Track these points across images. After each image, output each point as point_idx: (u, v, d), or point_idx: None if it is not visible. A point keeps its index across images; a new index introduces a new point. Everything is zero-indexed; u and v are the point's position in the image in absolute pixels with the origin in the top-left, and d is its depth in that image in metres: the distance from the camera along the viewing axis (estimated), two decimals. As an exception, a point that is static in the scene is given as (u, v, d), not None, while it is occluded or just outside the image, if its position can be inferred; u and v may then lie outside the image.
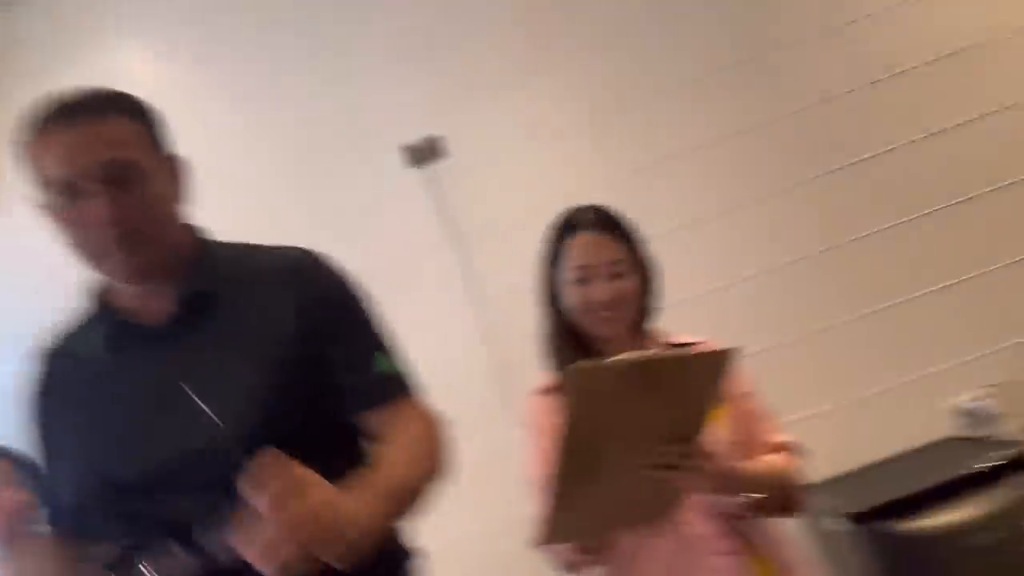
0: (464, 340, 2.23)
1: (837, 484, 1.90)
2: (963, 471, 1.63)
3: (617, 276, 1.27)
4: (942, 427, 2.02)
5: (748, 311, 2.17)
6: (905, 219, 2.18)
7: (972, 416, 1.97)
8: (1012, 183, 2.13)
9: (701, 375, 1.00)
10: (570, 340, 1.30)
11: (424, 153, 2.32)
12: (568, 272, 1.29)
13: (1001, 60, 2.21)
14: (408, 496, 0.94)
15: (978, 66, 2.21)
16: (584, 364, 0.95)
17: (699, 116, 2.29)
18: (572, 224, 1.31)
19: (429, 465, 0.99)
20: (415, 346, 2.12)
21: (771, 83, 2.29)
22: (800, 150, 2.25)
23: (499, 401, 2.13)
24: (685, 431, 1.02)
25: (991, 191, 2.13)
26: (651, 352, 1.23)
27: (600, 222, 1.31)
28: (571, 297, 1.28)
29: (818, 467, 1.54)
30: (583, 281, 1.27)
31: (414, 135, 2.32)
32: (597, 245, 1.28)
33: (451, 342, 2.23)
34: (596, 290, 1.27)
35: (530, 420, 1.31)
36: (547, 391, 1.31)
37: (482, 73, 2.37)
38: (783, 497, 1.23)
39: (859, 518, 1.66)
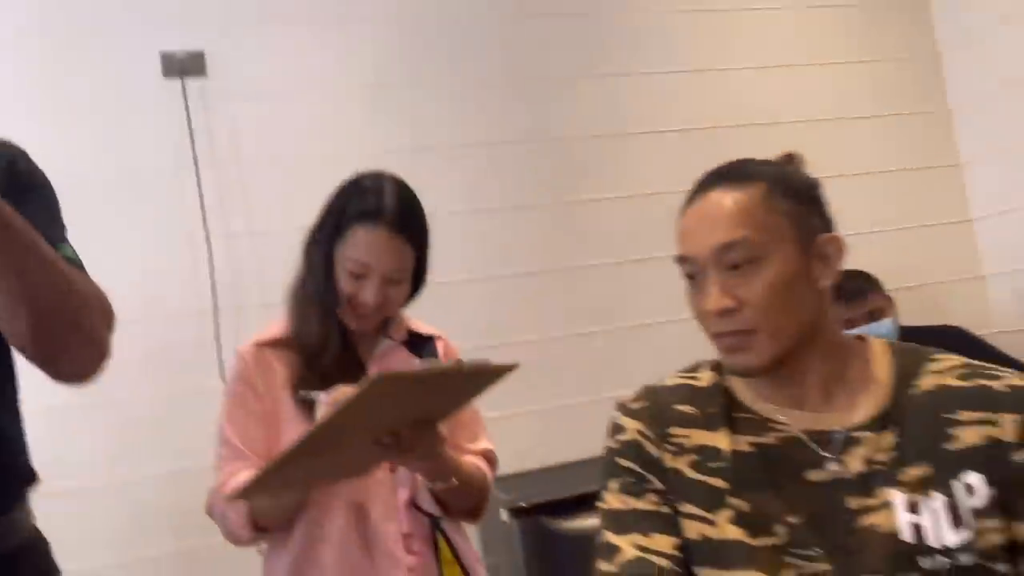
0: (190, 273, 2.12)
1: (515, 480, 2.05)
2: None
3: (393, 283, 1.25)
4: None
5: (484, 307, 2.31)
6: (631, 258, 2.47)
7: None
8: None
9: (474, 384, 1.08)
10: (321, 312, 1.27)
11: (184, 65, 2.15)
12: (347, 260, 1.24)
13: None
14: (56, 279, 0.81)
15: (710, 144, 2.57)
16: (390, 374, 1.00)
17: (480, 116, 2.40)
18: (373, 211, 1.23)
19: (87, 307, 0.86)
20: (134, 264, 1.99)
21: (542, 110, 2.47)
22: (559, 173, 2.45)
23: (213, 345, 2.06)
24: (429, 418, 1.10)
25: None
26: (446, 365, 1.30)
27: (401, 221, 1.24)
28: (339, 280, 1.25)
29: (508, 463, 1.67)
30: (358, 276, 1.23)
31: (178, 45, 2.16)
32: (388, 250, 1.23)
33: (174, 271, 2.10)
34: (368, 291, 1.23)
35: (239, 371, 1.29)
36: (269, 344, 1.29)
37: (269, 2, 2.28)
38: (475, 500, 1.31)
39: (519, 513, 1.85)
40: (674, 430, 0.95)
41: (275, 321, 1.32)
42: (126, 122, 2.13)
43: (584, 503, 1.83)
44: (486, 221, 2.35)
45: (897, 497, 0.84)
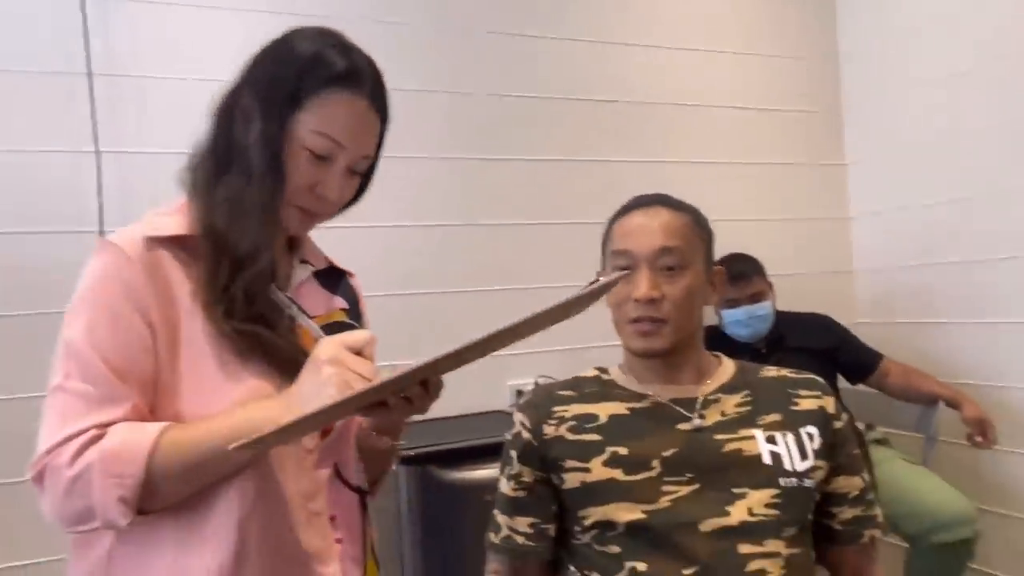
0: (74, 191, 1.99)
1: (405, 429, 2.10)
2: (501, 438, 1.92)
3: (352, 176, 1.00)
4: (501, 401, 2.39)
5: (388, 255, 2.30)
6: (535, 222, 2.50)
7: (520, 395, 2.37)
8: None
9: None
10: (262, 208, 0.94)
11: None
12: (312, 136, 0.93)
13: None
14: None
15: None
16: (482, 343, 0.82)
17: (403, 64, 2.35)
18: (348, 74, 0.95)
19: None
20: (10, 172, 1.84)
21: (466, 65, 2.46)
22: (476, 130, 2.45)
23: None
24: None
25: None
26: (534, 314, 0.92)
27: (376, 90, 0.99)
28: (292, 167, 0.94)
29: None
30: (322, 160, 0.95)
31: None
32: (366, 124, 0.98)
33: (56, 187, 1.97)
34: (332, 180, 0.96)
35: (116, 272, 0.89)
36: (164, 242, 0.92)
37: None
38: (388, 467, 1.16)
39: (407, 461, 1.88)
40: (556, 408, 1.16)
41: (164, 211, 0.97)
42: (11, 14, 1.96)
43: (471, 455, 1.89)
44: (398, 168, 2.32)
45: (757, 433, 1.09)
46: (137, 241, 0.90)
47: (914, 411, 2.47)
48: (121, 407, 0.86)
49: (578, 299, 0.84)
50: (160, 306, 0.89)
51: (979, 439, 2.27)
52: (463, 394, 2.26)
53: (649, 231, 1.12)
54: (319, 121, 0.93)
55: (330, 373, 0.83)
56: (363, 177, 1.03)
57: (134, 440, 0.84)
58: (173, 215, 0.96)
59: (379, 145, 1.03)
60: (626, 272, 0.96)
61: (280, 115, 0.93)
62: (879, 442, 2.47)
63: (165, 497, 0.86)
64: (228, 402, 0.89)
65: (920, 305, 2.77)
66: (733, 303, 2.34)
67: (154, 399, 0.90)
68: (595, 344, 2.46)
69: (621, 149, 2.64)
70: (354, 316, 1.10)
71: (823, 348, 2.42)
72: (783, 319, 2.44)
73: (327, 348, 0.86)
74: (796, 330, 2.44)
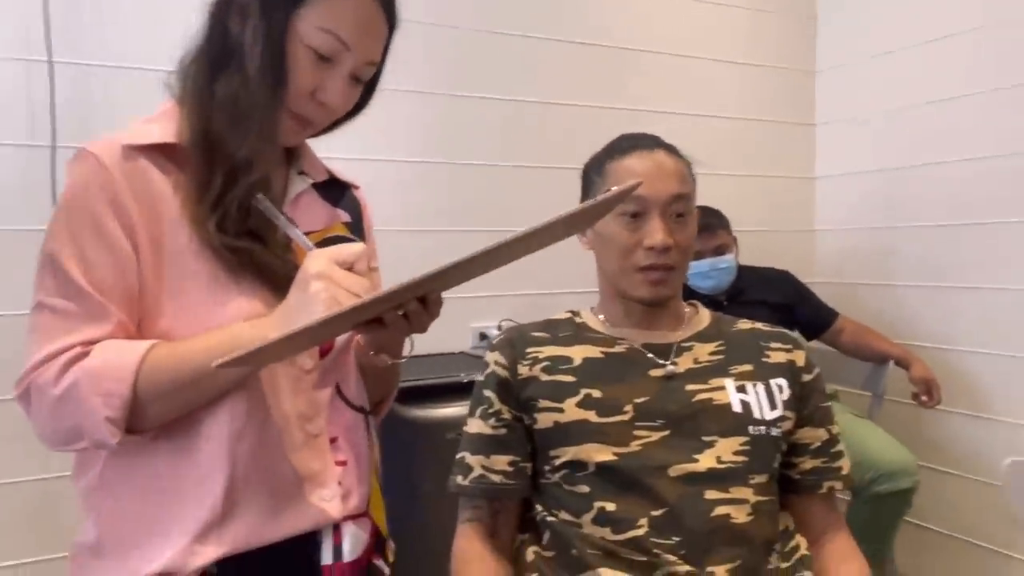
0: (25, 103, 1.89)
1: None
2: (462, 379, 1.93)
3: (357, 83, 0.94)
4: (464, 343, 2.38)
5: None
6: (510, 163, 2.47)
7: (483, 339, 2.37)
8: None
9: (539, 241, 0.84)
10: (261, 112, 0.88)
11: None
12: (317, 33, 0.86)
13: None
14: None
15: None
16: (484, 256, 0.76)
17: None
18: None
19: None
20: None
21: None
22: (452, 64, 2.39)
23: (48, 190, 1.87)
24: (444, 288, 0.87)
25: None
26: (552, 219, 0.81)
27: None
28: (294, 67, 0.87)
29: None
30: (325, 62, 0.88)
31: None
32: (375, 24, 0.92)
33: (5, 100, 1.88)
34: (335, 84, 0.89)
35: (96, 181, 0.83)
36: (146, 151, 0.86)
37: None
38: (394, 386, 1.14)
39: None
40: (530, 349, 1.15)
41: (148, 118, 0.91)
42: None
43: (433, 393, 1.89)
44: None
45: (728, 382, 1.10)
46: (116, 149, 0.84)
47: (864, 369, 2.54)
48: (105, 324, 0.83)
49: (589, 209, 0.79)
50: (144, 219, 0.84)
51: (924, 398, 2.35)
52: (426, 335, 2.24)
53: (662, 177, 1.10)
54: (325, 17, 0.86)
55: (317, 289, 0.80)
56: (365, 89, 0.97)
57: (120, 358, 0.81)
58: (158, 122, 0.90)
59: (385, 53, 0.96)
60: (639, 183, 0.89)
61: (282, 9, 0.86)
62: (830, 397, 2.53)
63: (154, 417, 0.84)
64: (217, 321, 0.85)
65: (877, 267, 2.82)
66: (697, 255, 2.36)
67: (140, 317, 0.86)
68: (561, 290, 2.47)
69: (595, 94, 2.61)
70: (356, 230, 1.04)
71: (781, 303, 2.46)
72: (744, 272, 2.47)
73: (315, 263, 0.82)
74: (756, 284, 2.47)
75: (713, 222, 2.38)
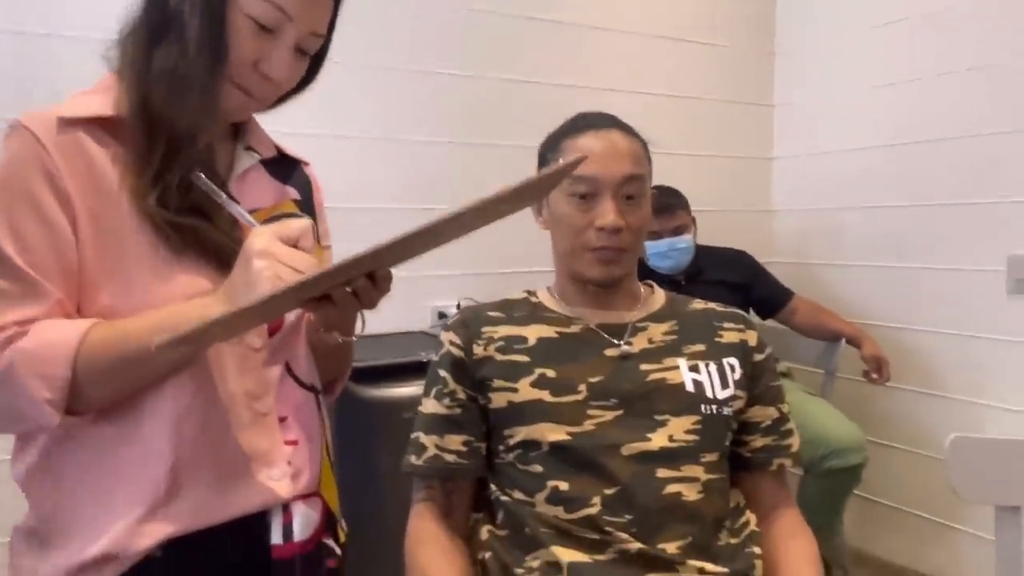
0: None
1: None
2: (422, 358, 1.92)
3: (302, 55, 0.91)
4: (422, 322, 2.37)
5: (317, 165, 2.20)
6: (468, 141, 2.45)
7: (442, 317, 2.36)
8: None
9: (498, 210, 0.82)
10: (201, 82, 0.85)
11: None
12: (258, 3, 0.84)
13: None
14: None
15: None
16: (436, 226, 0.73)
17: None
18: None
19: None
20: None
21: None
22: (414, 40, 2.36)
23: None
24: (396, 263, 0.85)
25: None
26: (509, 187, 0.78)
27: None
28: (235, 38, 0.85)
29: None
30: (270, 32, 0.86)
31: None
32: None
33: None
34: (279, 56, 0.87)
35: (28, 155, 0.80)
36: (84, 124, 0.83)
37: None
38: (347, 365, 1.12)
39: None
40: (485, 329, 1.14)
41: (87, 91, 0.88)
42: None
43: (390, 373, 1.88)
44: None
45: (681, 362, 1.11)
46: (51, 122, 0.81)
47: (816, 347, 2.59)
48: (42, 303, 0.80)
49: (535, 182, 0.78)
50: (81, 194, 0.81)
51: (875, 376, 2.41)
52: (384, 314, 2.22)
53: (616, 157, 1.09)
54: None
55: (260, 267, 0.77)
56: (312, 63, 0.95)
57: (58, 338, 0.78)
58: (96, 94, 0.86)
59: (331, 25, 0.94)
60: (585, 157, 0.88)
61: None
62: (783, 375, 2.58)
63: (95, 398, 0.82)
64: (160, 299, 0.83)
65: (830, 247, 2.87)
66: (656, 235, 2.37)
67: (80, 295, 0.83)
68: (521, 269, 2.47)
69: (555, 71, 2.59)
70: (307, 207, 1.01)
71: (738, 282, 2.49)
72: (703, 252, 2.49)
73: (258, 240, 0.79)
74: (714, 264, 2.50)
75: (672, 202, 2.39)
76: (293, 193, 1.01)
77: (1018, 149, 2.27)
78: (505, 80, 2.51)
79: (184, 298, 0.83)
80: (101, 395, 0.82)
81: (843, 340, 2.50)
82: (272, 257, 0.78)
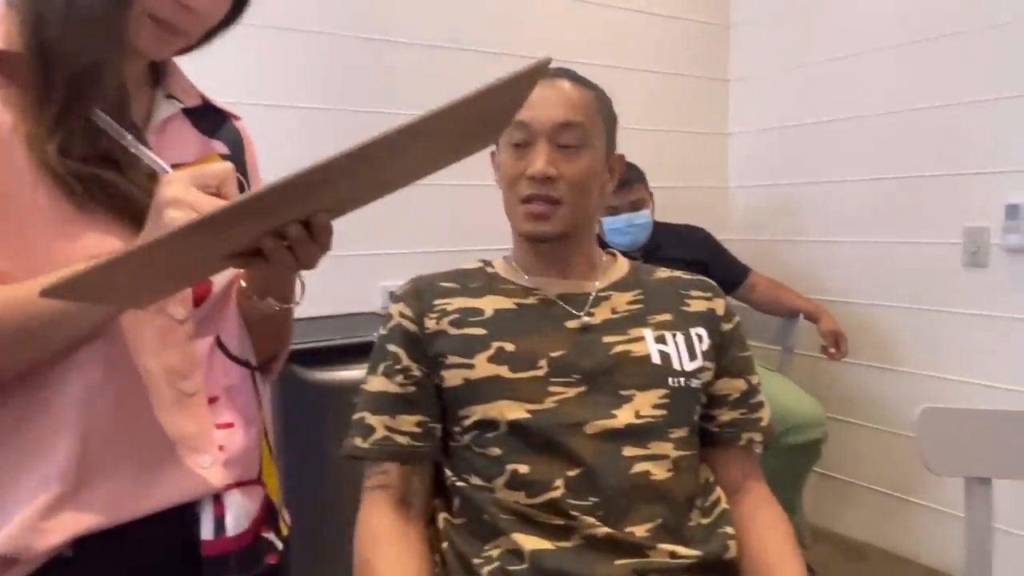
0: None
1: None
2: (373, 339, 1.84)
3: None
4: (372, 302, 2.27)
5: (285, 138, 2.07)
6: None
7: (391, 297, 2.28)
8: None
9: (454, 138, 0.71)
10: (101, 11, 0.74)
11: None
12: None
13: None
14: None
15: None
16: (355, 152, 0.60)
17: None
18: None
19: None
20: None
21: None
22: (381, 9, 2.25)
23: None
24: (332, 210, 0.72)
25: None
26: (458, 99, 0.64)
27: None
28: None
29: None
30: None
31: None
32: None
33: None
34: None
35: None
36: None
37: None
38: (286, 339, 1.00)
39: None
40: (437, 301, 1.06)
41: None
42: None
43: (339, 354, 1.79)
44: (296, 41, 2.09)
45: (647, 332, 1.04)
46: None
47: (774, 324, 2.57)
48: None
49: (501, 86, 0.65)
50: None
51: (833, 351, 2.39)
52: (332, 294, 2.13)
53: (550, 103, 1.02)
54: None
55: (173, 217, 0.66)
56: None
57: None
58: None
59: None
60: (548, 59, 0.81)
61: None
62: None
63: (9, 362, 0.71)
64: (65, 260, 0.72)
65: (786, 223, 2.85)
66: (613, 210, 2.31)
67: None
68: (473, 247, 2.38)
69: (506, 42, 2.50)
70: (237, 165, 0.87)
71: (695, 259, 2.44)
72: (660, 229, 2.44)
73: (171, 187, 0.69)
74: (671, 240, 2.45)
75: (630, 176, 2.34)
76: (220, 147, 0.91)
77: (975, 121, 2.27)
78: (448, 48, 2.41)
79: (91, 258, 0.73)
80: (2, 361, 0.71)
81: (801, 316, 2.48)
82: (188, 206, 0.67)
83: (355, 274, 2.22)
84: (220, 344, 0.87)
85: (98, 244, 0.74)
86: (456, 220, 2.38)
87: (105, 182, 0.74)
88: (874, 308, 2.57)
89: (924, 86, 2.38)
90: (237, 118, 0.98)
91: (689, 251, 2.45)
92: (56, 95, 0.72)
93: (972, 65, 2.26)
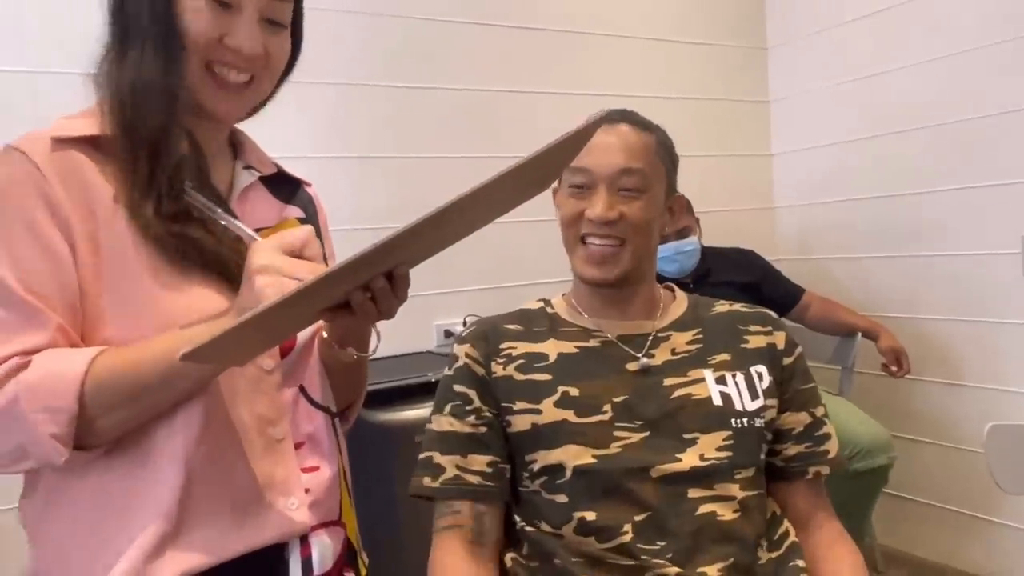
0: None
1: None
2: (430, 378, 1.87)
3: (274, 27, 0.87)
4: (427, 342, 2.32)
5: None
6: (458, 155, 2.41)
7: (448, 336, 2.31)
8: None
9: (515, 189, 0.77)
10: (158, 84, 0.81)
11: None
12: None
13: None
14: None
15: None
16: (447, 210, 0.68)
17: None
18: None
19: None
20: None
21: None
22: (397, 55, 2.32)
23: None
24: (411, 262, 0.80)
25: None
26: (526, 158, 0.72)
27: None
28: (188, 20, 0.81)
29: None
30: (228, 7, 0.82)
31: None
32: None
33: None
34: (242, 30, 0.83)
35: (22, 177, 0.77)
36: (76, 143, 0.80)
37: None
38: (362, 387, 1.06)
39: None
40: (504, 344, 1.08)
41: (71, 116, 0.86)
42: None
43: (399, 395, 1.83)
44: (311, 94, 2.18)
45: (707, 373, 1.04)
46: (44, 143, 0.78)
47: (830, 343, 2.53)
48: (44, 331, 0.76)
49: (550, 150, 0.71)
50: (78, 215, 0.78)
51: (894, 368, 2.35)
52: (388, 335, 2.17)
53: (611, 149, 1.04)
54: None
55: (263, 283, 0.72)
56: (292, 34, 0.91)
57: (63, 369, 0.74)
58: (84, 117, 0.84)
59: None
60: (603, 115, 0.84)
61: None
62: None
63: (105, 430, 0.77)
64: (167, 317, 0.79)
65: (837, 240, 2.82)
66: (661, 239, 2.32)
67: (83, 324, 0.79)
68: (526, 282, 2.41)
69: (547, 80, 2.55)
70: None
71: (748, 282, 2.43)
72: (709, 254, 2.44)
73: (259, 255, 0.75)
74: (721, 264, 2.45)
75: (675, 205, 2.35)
76: (296, 212, 0.98)
77: (1025, 128, 2.23)
78: (493, 91, 2.47)
79: (196, 313, 0.79)
80: (112, 427, 0.77)
81: (859, 334, 2.44)
82: (276, 271, 0.73)
83: (410, 314, 2.25)
84: (304, 392, 0.91)
85: (201, 298, 0.81)
86: (506, 257, 2.42)
87: (194, 240, 0.81)
88: (935, 322, 2.52)
89: (973, 96, 2.35)
90: (308, 184, 1.05)
91: (741, 274, 2.44)
92: (141, 163, 0.80)
93: (1020, 71, 2.23)
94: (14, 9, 1.83)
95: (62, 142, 0.79)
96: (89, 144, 0.81)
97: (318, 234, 0.96)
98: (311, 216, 1.00)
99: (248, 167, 0.95)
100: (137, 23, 0.82)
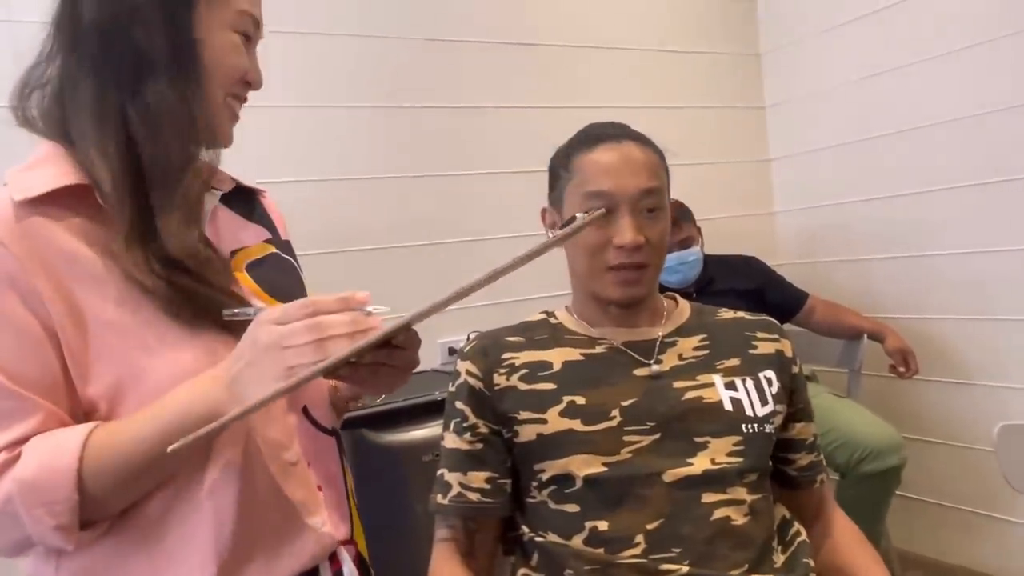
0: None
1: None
2: (436, 397, 1.87)
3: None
4: (432, 360, 2.32)
5: (314, 212, 2.16)
6: (461, 172, 2.42)
7: (452, 353, 2.31)
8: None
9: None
10: (181, 117, 0.79)
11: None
12: (240, 13, 0.82)
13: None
14: None
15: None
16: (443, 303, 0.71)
17: (316, 3, 2.21)
18: None
19: None
20: None
21: (378, 7, 2.33)
22: (394, 76, 2.33)
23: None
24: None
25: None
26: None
27: None
28: (228, 57, 0.81)
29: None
30: (250, 41, 0.85)
31: None
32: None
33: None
34: (256, 64, 0.85)
35: None
36: (46, 201, 0.75)
37: None
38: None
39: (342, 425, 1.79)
40: (505, 355, 1.07)
41: (36, 161, 0.79)
42: None
43: (405, 415, 1.82)
44: (318, 118, 2.19)
45: (716, 378, 1.04)
46: (6, 212, 0.73)
47: (836, 347, 2.52)
48: (31, 419, 0.73)
49: (556, 241, 0.74)
50: (52, 286, 0.73)
51: (902, 369, 2.34)
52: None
53: (631, 171, 1.02)
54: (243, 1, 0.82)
55: (273, 359, 0.70)
56: None
57: (56, 460, 0.71)
58: (40, 167, 0.78)
59: None
60: (602, 211, 0.86)
61: (184, 5, 0.79)
62: (807, 378, 2.51)
63: (109, 506, 0.75)
64: (168, 370, 0.75)
65: (839, 243, 2.82)
66: (664, 248, 2.32)
67: (69, 400, 0.76)
68: (529, 296, 2.41)
69: (541, 94, 2.56)
70: (279, 245, 0.95)
71: (751, 288, 2.43)
72: (711, 262, 2.44)
73: (262, 334, 0.71)
74: (724, 272, 2.44)
75: (676, 215, 2.35)
76: (263, 233, 0.96)
77: None
78: (486, 108, 2.48)
79: (198, 360, 0.77)
80: (116, 502, 0.75)
81: (865, 336, 2.44)
82: (278, 351, 0.70)
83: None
84: (307, 414, 0.90)
85: (200, 352, 0.78)
86: (509, 275, 2.42)
87: (181, 287, 0.77)
88: (940, 322, 2.51)
89: (968, 94, 2.35)
90: (263, 193, 1.02)
91: (743, 281, 2.44)
92: (128, 211, 0.76)
93: (1019, 68, 2.23)
94: None
95: (26, 205, 0.74)
96: (52, 200, 0.75)
97: (284, 245, 0.98)
98: (274, 231, 0.98)
99: (212, 187, 0.91)
100: (151, 56, 0.78)
